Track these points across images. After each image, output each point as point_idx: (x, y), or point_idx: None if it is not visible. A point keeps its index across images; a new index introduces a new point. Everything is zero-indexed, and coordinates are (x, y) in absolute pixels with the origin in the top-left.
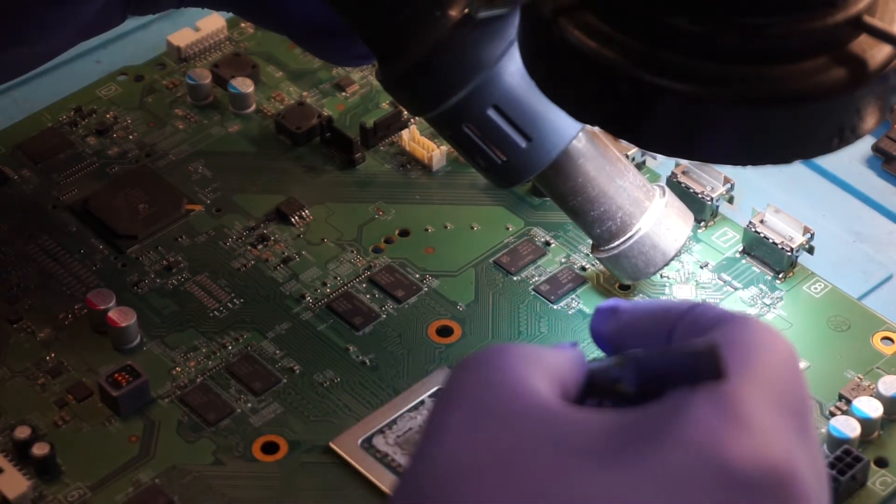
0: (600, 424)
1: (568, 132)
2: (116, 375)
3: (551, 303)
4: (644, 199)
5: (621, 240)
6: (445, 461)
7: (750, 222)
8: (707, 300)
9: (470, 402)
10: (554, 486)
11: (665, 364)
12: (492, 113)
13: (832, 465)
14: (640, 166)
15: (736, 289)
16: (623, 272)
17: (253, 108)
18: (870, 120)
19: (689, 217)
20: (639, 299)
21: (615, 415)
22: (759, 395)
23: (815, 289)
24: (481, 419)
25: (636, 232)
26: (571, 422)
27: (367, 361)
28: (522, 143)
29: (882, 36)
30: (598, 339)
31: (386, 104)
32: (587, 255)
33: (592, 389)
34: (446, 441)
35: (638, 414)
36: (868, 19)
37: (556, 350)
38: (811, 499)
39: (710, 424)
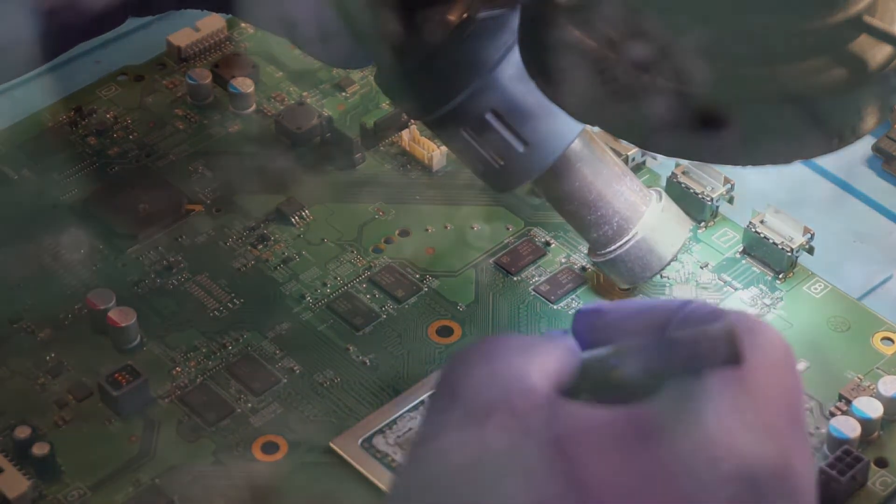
0: (604, 418)
1: (565, 137)
2: (116, 375)
3: (551, 303)
4: (641, 203)
5: (618, 244)
6: (439, 461)
7: (750, 223)
8: (707, 300)
9: (465, 398)
10: (559, 475)
11: (669, 352)
12: (490, 117)
13: (832, 466)
14: (640, 167)
15: (736, 289)
16: (620, 276)
17: (253, 108)
18: (870, 120)
19: (686, 222)
20: (638, 299)
21: (620, 409)
22: (758, 388)
23: (815, 289)
24: (475, 416)
25: (633, 236)
26: (573, 415)
27: (367, 361)
28: (520, 148)
29: (882, 36)
30: (581, 341)
31: (386, 104)
32: (587, 255)
33: (586, 380)
34: (440, 441)
35: (644, 407)
36: (868, 19)
37: (549, 341)
38: (805, 490)
39: (719, 415)
